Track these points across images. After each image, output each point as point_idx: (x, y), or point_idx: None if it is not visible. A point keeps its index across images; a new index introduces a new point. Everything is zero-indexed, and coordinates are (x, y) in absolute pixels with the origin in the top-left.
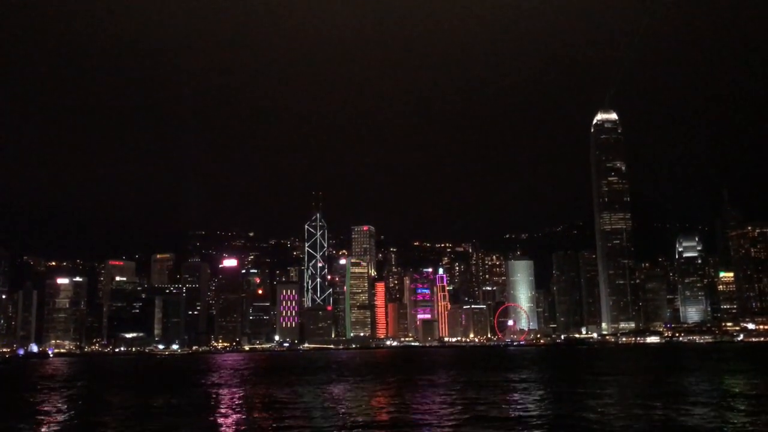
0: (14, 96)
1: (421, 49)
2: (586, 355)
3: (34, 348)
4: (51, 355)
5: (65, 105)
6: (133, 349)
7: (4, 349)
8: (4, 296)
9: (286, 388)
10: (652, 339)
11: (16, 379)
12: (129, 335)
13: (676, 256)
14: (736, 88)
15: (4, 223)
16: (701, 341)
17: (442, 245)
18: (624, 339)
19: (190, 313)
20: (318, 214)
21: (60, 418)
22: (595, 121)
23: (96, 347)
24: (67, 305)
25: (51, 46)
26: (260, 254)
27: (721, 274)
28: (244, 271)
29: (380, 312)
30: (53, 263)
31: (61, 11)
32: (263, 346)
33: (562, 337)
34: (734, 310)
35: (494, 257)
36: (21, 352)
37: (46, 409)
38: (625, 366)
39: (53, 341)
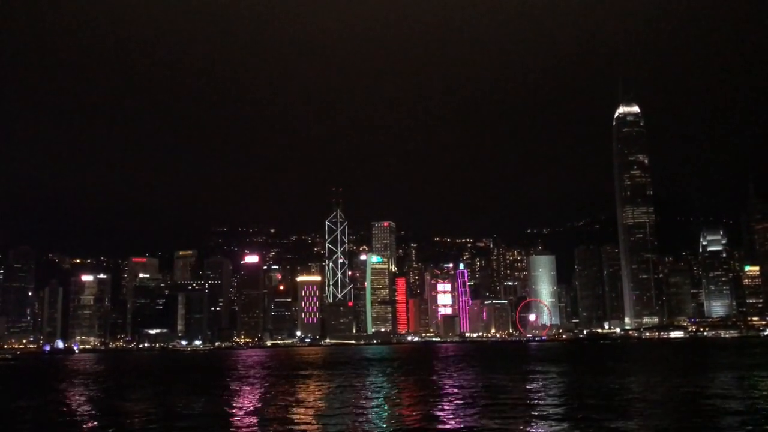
0: (37, 95)
1: (439, 45)
2: (609, 350)
3: (60, 344)
4: (76, 351)
5: (88, 103)
6: (157, 345)
7: (31, 346)
8: (30, 293)
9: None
10: (676, 334)
11: (24, 375)
12: (152, 331)
13: (701, 250)
14: (762, 79)
15: (29, 221)
16: (726, 336)
17: (463, 240)
18: (647, 334)
19: (213, 309)
20: (338, 210)
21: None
22: (617, 114)
23: (120, 343)
24: (92, 302)
25: (78, 45)
26: (281, 250)
27: (747, 268)
28: (265, 267)
29: (401, 307)
30: (78, 261)
31: (81, 15)
32: (285, 341)
33: (585, 332)
34: (760, 305)
35: (515, 252)
36: (47, 348)
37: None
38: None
39: (78, 337)
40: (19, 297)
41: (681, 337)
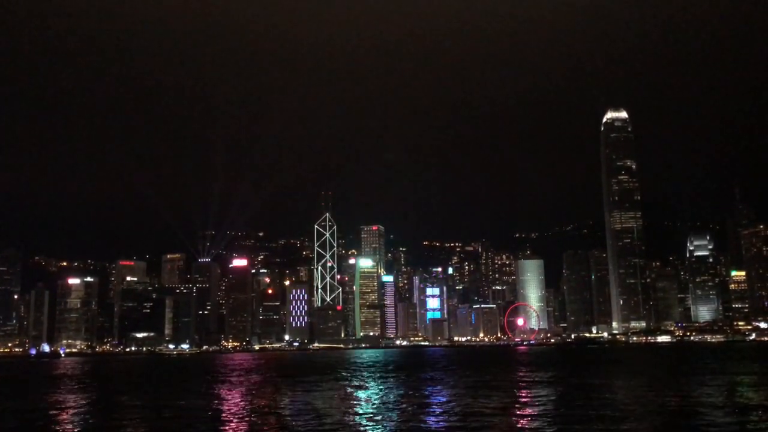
0: (24, 96)
1: (428, 51)
2: (598, 355)
3: (46, 348)
4: (63, 355)
5: (75, 106)
6: (144, 348)
7: (16, 349)
8: (16, 296)
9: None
10: (663, 338)
11: None
12: (140, 335)
13: (687, 255)
14: (747, 86)
15: (16, 224)
16: (713, 340)
17: (452, 245)
18: (635, 338)
19: (201, 312)
20: (327, 214)
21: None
22: (605, 120)
23: (107, 347)
24: (79, 305)
25: (64, 48)
26: (270, 254)
27: (733, 273)
28: (254, 271)
29: (390, 311)
30: (65, 264)
31: (71, 14)
32: (273, 345)
33: (573, 336)
34: (746, 309)
35: (504, 256)
36: (33, 351)
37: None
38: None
39: (65, 341)
40: (4, 300)
41: (668, 342)
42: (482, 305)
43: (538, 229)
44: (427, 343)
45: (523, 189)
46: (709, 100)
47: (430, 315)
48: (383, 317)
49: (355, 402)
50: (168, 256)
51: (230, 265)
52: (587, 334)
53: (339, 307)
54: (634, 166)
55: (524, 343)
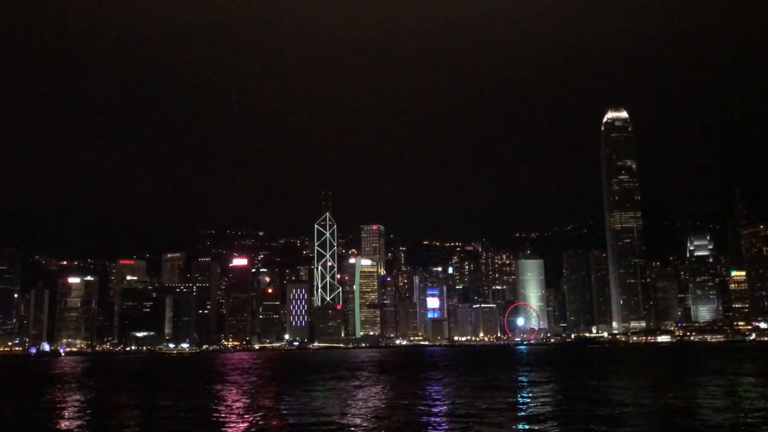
0: (23, 94)
1: (430, 51)
2: (598, 354)
3: (46, 347)
4: (63, 354)
5: (77, 105)
6: (144, 347)
7: (17, 348)
8: (16, 296)
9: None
10: (663, 338)
11: None
12: (140, 334)
13: (688, 255)
14: (747, 86)
15: (16, 223)
16: (713, 340)
17: (452, 244)
18: (635, 338)
19: (201, 312)
20: (328, 214)
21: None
22: (605, 120)
23: (107, 346)
24: (79, 304)
25: (65, 48)
26: (270, 253)
27: (733, 273)
28: (254, 270)
29: (390, 311)
30: (65, 263)
31: (67, 12)
32: (273, 345)
33: (573, 336)
34: (746, 309)
35: (504, 256)
36: (33, 350)
37: None
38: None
39: (65, 340)
40: (4, 299)
41: (668, 342)
42: (482, 305)
43: (538, 229)
44: (427, 343)
45: (523, 189)
46: (709, 100)
47: (430, 315)
48: (383, 317)
49: (354, 402)
50: (168, 256)
51: (230, 265)
52: (587, 334)
53: (339, 307)
54: (634, 166)
55: (524, 342)
